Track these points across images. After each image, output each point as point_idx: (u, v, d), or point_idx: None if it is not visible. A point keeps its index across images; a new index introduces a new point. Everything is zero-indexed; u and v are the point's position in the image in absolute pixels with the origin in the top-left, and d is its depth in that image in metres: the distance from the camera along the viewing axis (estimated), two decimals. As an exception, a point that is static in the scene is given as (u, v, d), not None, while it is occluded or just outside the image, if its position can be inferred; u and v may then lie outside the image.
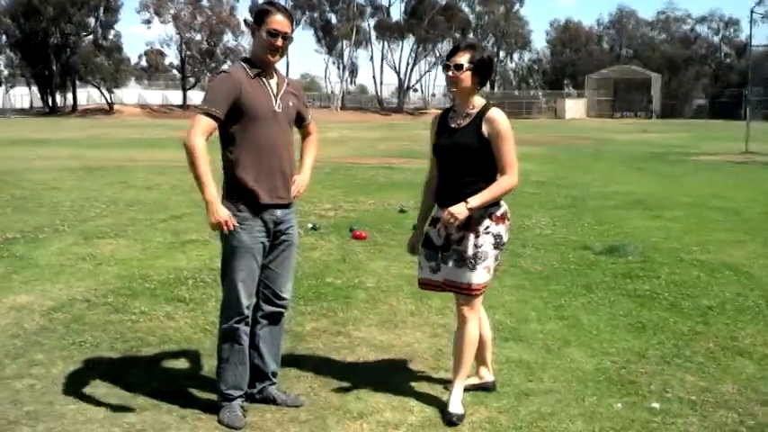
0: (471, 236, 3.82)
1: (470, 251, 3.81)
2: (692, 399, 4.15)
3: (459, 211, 3.71)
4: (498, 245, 3.88)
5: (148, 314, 5.62)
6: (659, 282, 6.71)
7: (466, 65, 3.82)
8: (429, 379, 4.43)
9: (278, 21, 3.73)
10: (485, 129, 3.81)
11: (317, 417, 3.89)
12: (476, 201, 3.75)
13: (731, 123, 44.86)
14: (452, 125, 3.94)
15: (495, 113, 3.83)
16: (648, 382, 4.38)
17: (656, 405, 4.06)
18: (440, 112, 4.16)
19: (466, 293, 3.88)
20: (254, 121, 3.74)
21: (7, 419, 3.81)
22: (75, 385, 4.27)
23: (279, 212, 3.88)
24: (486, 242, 3.83)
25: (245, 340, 3.91)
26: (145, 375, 4.47)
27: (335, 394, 4.21)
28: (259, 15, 3.76)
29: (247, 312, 3.87)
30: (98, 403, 4.02)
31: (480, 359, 4.22)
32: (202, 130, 3.66)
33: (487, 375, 4.28)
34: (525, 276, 6.91)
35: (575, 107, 67.48)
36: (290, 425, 3.82)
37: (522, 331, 5.32)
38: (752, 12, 31.06)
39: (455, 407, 3.91)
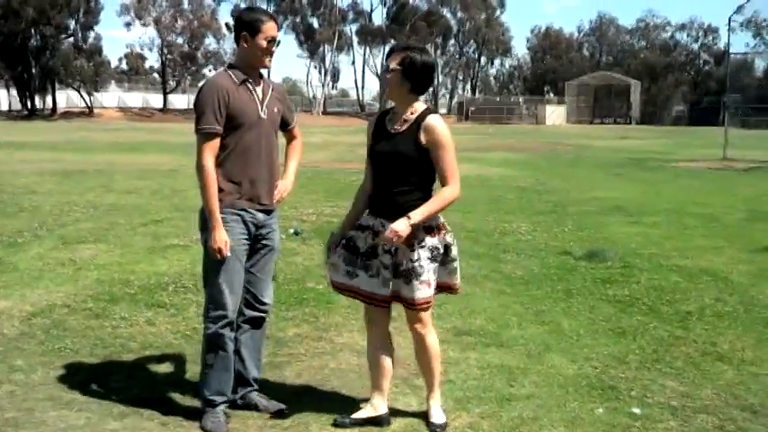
0: (407, 250, 3.67)
1: (405, 265, 3.68)
2: (673, 404, 4.19)
3: (402, 229, 3.53)
4: (435, 258, 3.71)
5: (129, 320, 5.59)
6: (639, 287, 6.76)
7: (394, 67, 3.69)
8: (411, 385, 4.43)
9: (273, 27, 3.82)
10: (422, 137, 3.63)
11: (300, 423, 3.89)
12: (417, 215, 3.57)
13: (710, 130, 45.24)
14: (390, 129, 3.76)
15: (433, 121, 3.66)
16: (629, 388, 4.41)
17: (636, 410, 4.09)
18: (377, 113, 3.99)
19: (410, 308, 3.76)
20: (240, 128, 3.76)
21: (-14, 426, 3.78)
22: (55, 392, 4.24)
23: (260, 216, 3.89)
24: (423, 257, 3.66)
25: (231, 346, 3.90)
26: (126, 381, 4.45)
27: (318, 400, 4.21)
28: (253, 24, 3.78)
29: (232, 316, 3.86)
30: (79, 410, 4.00)
31: (378, 386, 3.94)
32: (211, 153, 3.72)
33: (382, 406, 3.94)
34: (506, 281, 6.94)
35: (555, 113, 67.82)
36: (272, 430, 3.82)
37: (502, 336, 5.34)
38: (730, 20, 31.42)
39: (437, 417, 3.88)
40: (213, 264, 3.79)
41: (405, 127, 3.71)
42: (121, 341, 5.14)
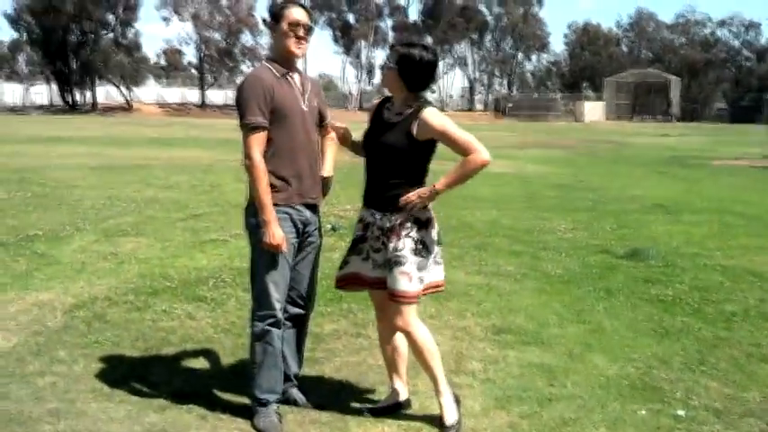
0: (393, 238, 3.69)
1: (389, 254, 3.69)
2: (717, 406, 4.11)
3: (425, 194, 3.65)
4: (420, 251, 3.71)
5: (169, 313, 5.64)
6: (681, 287, 6.64)
7: (391, 64, 3.71)
8: (449, 382, 4.37)
9: (297, 11, 3.78)
10: (416, 130, 3.65)
11: (338, 419, 3.88)
12: (442, 183, 3.66)
13: (751, 128, 44.51)
14: (385, 117, 3.80)
15: (428, 113, 3.67)
16: (672, 389, 4.33)
17: (680, 412, 4.02)
18: (379, 99, 3.98)
19: (390, 299, 3.74)
20: (285, 122, 3.74)
21: (30, 416, 3.83)
22: (96, 383, 4.28)
23: (308, 213, 3.88)
24: (406, 246, 3.68)
25: (279, 343, 3.87)
26: (166, 375, 4.48)
27: (356, 396, 4.20)
28: (277, 13, 3.78)
29: (280, 315, 3.84)
30: (120, 402, 4.03)
31: (395, 373, 4.04)
32: (259, 147, 3.69)
33: (402, 392, 4.04)
34: (546, 280, 6.87)
35: (593, 110, 67.03)
36: (311, 426, 3.82)
37: (543, 335, 5.28)
38: (774, 15, 30.74)
39: (449, 416, 3.80)
40: (262, 264, 3.78)
41: (399, 119, 3.73)
42: (162, 334, 5.18)
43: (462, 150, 3.66)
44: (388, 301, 3.76)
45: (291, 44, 3.78)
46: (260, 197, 3.67)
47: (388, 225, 3.72)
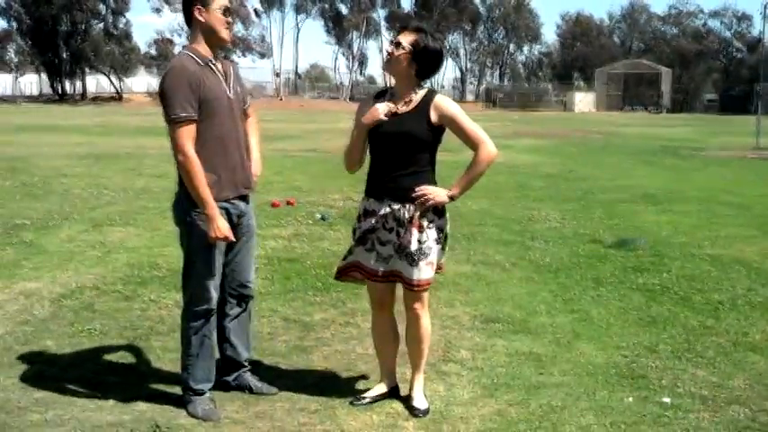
0: (414, 230, 3.65)
1: (414, 246, 3.65)
2: (704, 394, 4.13)
3: (441, 195, 3.64)
4: (440, 239, 3.74)
5: (158, 302, 5.63)
6: (669, 276, 6.67)
7: (405, 46, 3.62)
8: (438, 371, 4.41)
9: None
10: (433, 115, 3.63)
11: (327, 407, 3.88)
12: (457, 190, 3.69)
13: (742, 118, 44.55)
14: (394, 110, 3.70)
15: (441, 98, 3.69)
16: (659, 377, 4.36)
17: (667, 400, 4.04)
18: (371, 95, 3.92)
19: (410, 289, 3.74)
20: (212, 113, 3.62)
21: (18, 405, 3.82)
22: (84, 372, 4.28)
23: (242, 205, 3.83)
24: (431, 237, 3.68)
25: (214, 334, 3.90)
26: (154, 364, 4.48)
27: (345, 385, 4.21)
28: None
29: (214, 307, 3.83)
30: (107, 390, 4.02)
31: (386, 365, 4.07)
32: (190, 140, 3.56)
33: (391, 382, 4.08)
34: (534, 269, 6.89)
35: (584, 101, 67.06)
36: (300, 414, 3.81)
37: (531, 324, 5.29)
38: (765, 7, 30.78)
39: (420, 402, 3.87)
40: (196, 258, 3.73)
41: (411, 107, 3.68)
42: (150, 324, 5.18)
43: (470, 139, 3.66)
44: (406, 290, 3.77)
45: (224, 31, 3.66)
46: (199, 192, 3.55)
47: (407, 216, 3.66)
